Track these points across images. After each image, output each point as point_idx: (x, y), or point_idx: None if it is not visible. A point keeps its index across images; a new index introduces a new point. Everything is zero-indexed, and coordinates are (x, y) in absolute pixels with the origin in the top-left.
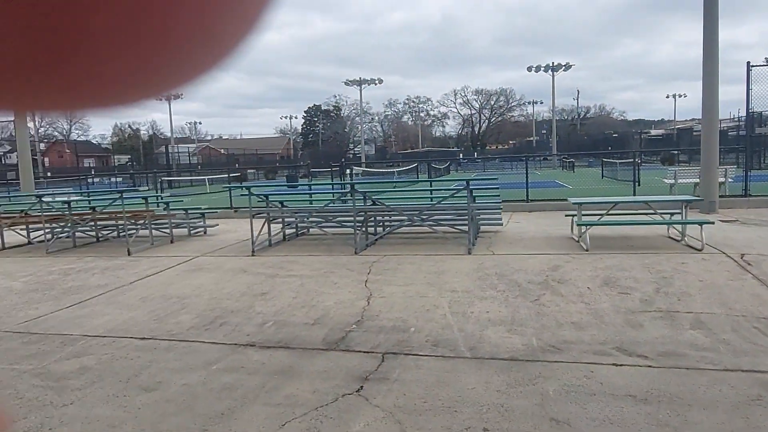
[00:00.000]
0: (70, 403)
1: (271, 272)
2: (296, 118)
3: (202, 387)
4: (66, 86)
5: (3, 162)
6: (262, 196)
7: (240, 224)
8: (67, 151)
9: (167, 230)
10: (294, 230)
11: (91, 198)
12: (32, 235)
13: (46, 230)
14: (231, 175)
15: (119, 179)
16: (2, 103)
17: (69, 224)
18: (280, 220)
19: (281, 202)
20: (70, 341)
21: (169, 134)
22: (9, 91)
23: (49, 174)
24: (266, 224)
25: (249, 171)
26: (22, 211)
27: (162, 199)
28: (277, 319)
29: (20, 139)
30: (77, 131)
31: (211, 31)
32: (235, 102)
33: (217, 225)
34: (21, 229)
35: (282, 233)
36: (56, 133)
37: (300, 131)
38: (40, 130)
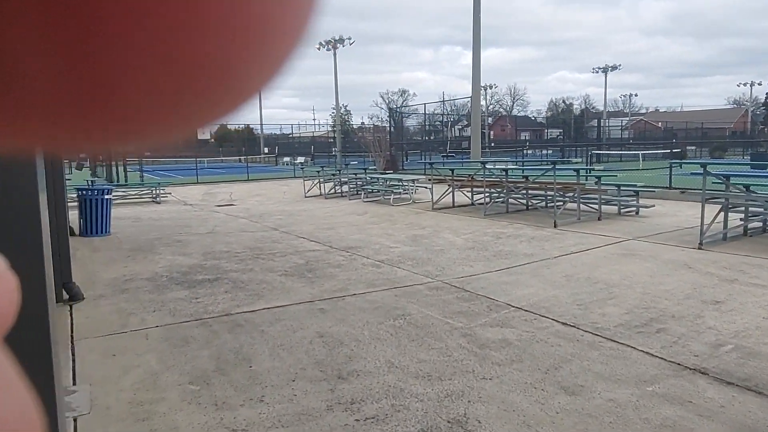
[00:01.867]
0: (489, 378)
1: (728, 275)
2: (760, 84)
3: (634, 412)
4: (96, 126)
5: (461, 134)
6: (720, 177)
7: (679, 207)
8: (509, 125)
9: (596, 206)
10: (761, 224)
11: (524, 167)
12: (475, 197)
13: (486, 194)
14: (672, 150)
15: (550, 151)
16: (30, 143)
17: (504, 190)
18: (742, 209)
19: (746, 187)
20: (495, 307)
21: (601, 108)
22: (37, 131)
23: (492, 145)
24: (722, 212)
25: (689, 147)
26: (469, 175)
27: (593, 172)
28: (739, 344)
29: (474, 114)
30: (518, 107)
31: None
32: (677, 71)
33: (653, 206)
34: (467, 191)
35: (743, 226)
36: (501, 109)
37: (763, 101)
38: (489, 107)
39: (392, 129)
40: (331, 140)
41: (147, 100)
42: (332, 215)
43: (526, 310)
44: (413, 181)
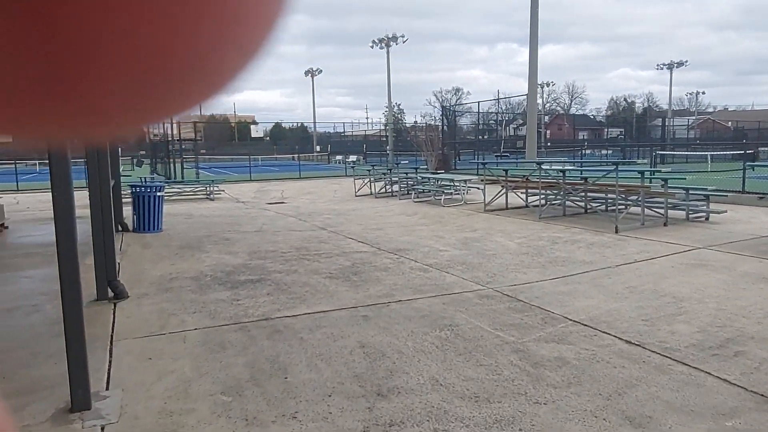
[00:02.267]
0: (543, 402)
1: None
2: None
3: None
4: (63, 112)
5: (515, 134)
6: None
7: (754, 213)
8: (566, 124)
9: (661, 210)
10: None
11: (582, 168)
12: (529, 199)
13: (541, 196)
14: (745, 152)
15: (609, 151)
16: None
17: (561, 192)
18: None
19: None
20: (550, 320)
21: (664, 106)
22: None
23: (549, 144)
24: None
25: (761, 149)
26: (523, 176)
27: (659, 174)
28: None
29: (530, 113)
30: (576, 105)
31: (214, 53)
32: (748, 67)
33: (725, 212)
34: (521, 193)
35: None
36: (558, 108)
37: None
38: (546, 105)
39: (445, 128)
40: (383, 139)
41: (117, 91)
42: (381, 215)
43: (585, 325)
44: (465, 181)
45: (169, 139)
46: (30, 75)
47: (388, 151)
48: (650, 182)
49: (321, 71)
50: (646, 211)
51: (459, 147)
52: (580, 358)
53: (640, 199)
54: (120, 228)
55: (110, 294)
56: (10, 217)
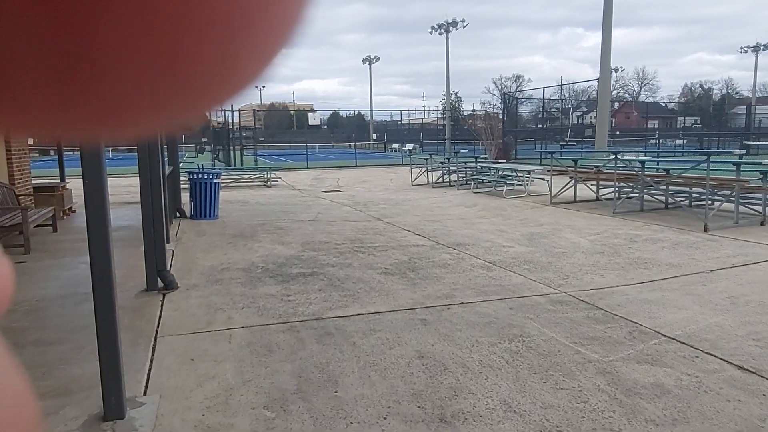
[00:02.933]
0: None
1: None
2: None
3: None
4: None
5: (578, 122)
6: None
7: None
8: (635, 112)
9: (758, 208)
10: None
11: (662, 159)
12: (601, 192)
13: (615, 189)
14: None
15: (683, 141)
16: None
17: (639, 185)
18: None
19: None
20: (640, 335)
21: (746, 92)
22: (20, 116)
23: (618, 133)
24: None
25: None
26: (595, 167)
27: (757, 166)
28: None
29: (601, 99)
30: (646, 92)
31: (232, 56)
32: None
33: None
34: (591, 185)
35: None
36: (626, 95)
37: None
38: (613, 92)
39: (505, 116)
40: (440, 127)
41: (139, 93)
42: (439, 206)
43: (683, 342)
44: (529, 171)
45: (230, 127)
46: (44, 75)
47: (445, 140)
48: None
49: (378, 59)
50: (741, 208)
51: (519, 136)
52: (682, 386)
53: (733, 194)
54: (178, 214)
55: (160, 284)
56: (78, 201)
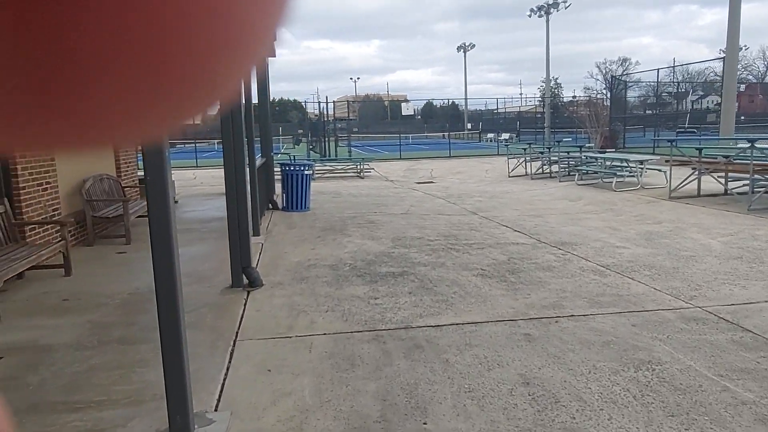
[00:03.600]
0: None
1: None
2: None
3: None
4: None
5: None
6: None
7: None
8: (760, 95)
9: None
10: None
11: None
12: (730, 185)
13: (749, 182)
14: None
15: None
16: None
17: None
18: None
19: None
20: None
21: None
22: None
23: (742, 118)
24: None
25: None
26: (725, 156)
27: None
28: None
29: (727, 80)
30: None
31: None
32: None
33: None
34: (719, 176)
35: None
36: (750, 76)
37: None
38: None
39: (611, 101)
40: (539, 115)
41: (123, 100)
42: (540, 199)
43: None
44: (642, 162)
45: (325, 118)
46: (24, 85)
47: (544, 129)
48: None
49: (474, 46)
50: None
51: (627, 123)
52: None
53: None
54: (270, 206)
55: (245, 281)
56: (182, 192)
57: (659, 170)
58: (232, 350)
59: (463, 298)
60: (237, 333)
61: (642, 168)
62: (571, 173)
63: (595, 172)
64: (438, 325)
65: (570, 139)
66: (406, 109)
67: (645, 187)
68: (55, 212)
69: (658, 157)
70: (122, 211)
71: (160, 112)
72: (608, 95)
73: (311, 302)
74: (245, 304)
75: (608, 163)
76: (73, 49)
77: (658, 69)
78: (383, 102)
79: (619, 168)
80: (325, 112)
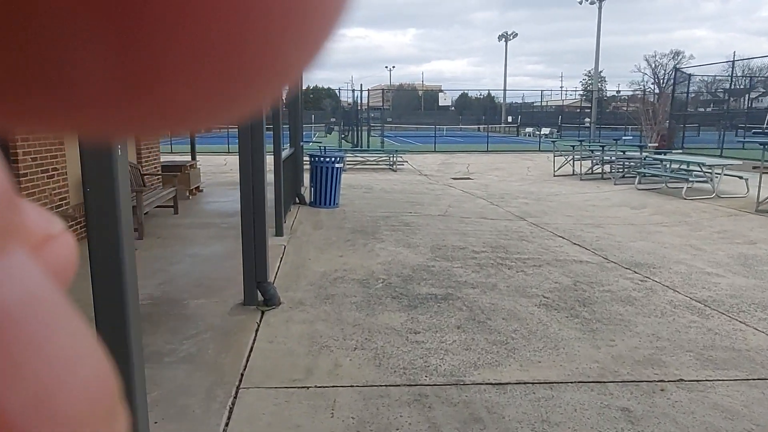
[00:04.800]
0: None
1: None
2: None
3: None
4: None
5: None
6: None
7: None
8: None
9: None
10: None
11: None
12: None
13: None
14: None
15: None
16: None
17: None
18: None
19: None
20: None
21: None
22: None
23: None
24: None
25: None
26: None
27: None
28: None
29: None
30: None
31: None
32: None
33: None
34: None
35: None
36: None
37: None
38: None
39: (673, 96)
40: (578, 110)
41: (192, 86)
42: (595, 205)
43: None
44: (721, 167)
45: (358, 107)
46: (104, 74)
47: (588, 124)
48: None
49: (516, 35)
50: None
51: (688, 121)
52: None
53: None
54: (297, 200)
55: (259, 298)
56: (206, 181)
57: (740, 177)
58: (233, 405)
59: (528, 341)
60: (242, 376)
61: (720, 174)
62: (627, 176)
63: (657, 176)
64: (500, 383)
65: (630, 137)
66: (443, 100)
67: (721, 195)
68: (63, 203)
69: (730, 161)
70: (135, 202)
71: (229, 96)
72: (656, 90)
73: (336, 333)
74: (257, 331)
75: (676, 166)
76: (143, 24)
77: (733, 61)
78: (417, 92)
79: (688, 172)
80: (360, 101)
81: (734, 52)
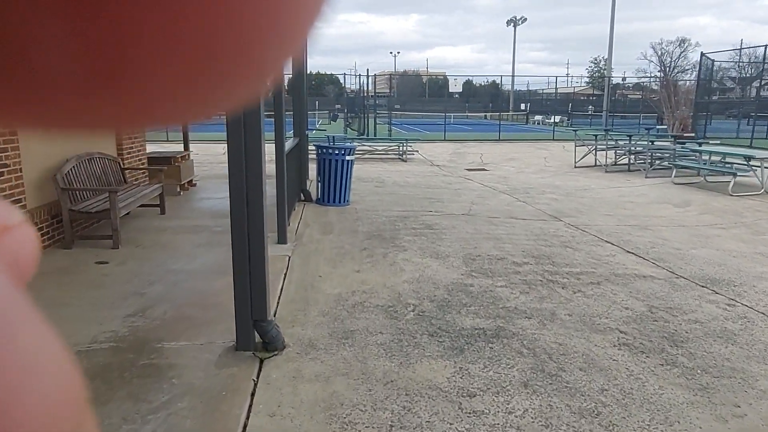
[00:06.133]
0: None
1: None
2: None
3: None
4: (111, 105)
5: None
6: None
7: None
8: None
9: None
10: None
11: None
12: None
13: None
14: None
15: None
16: (43, 121)
17: None
18: None
19: None
20: None
21: None
22: (51, 109)
23: None
24: None
25: None
26: None
27: None
28: None
29: None
30: None
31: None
32: None
33: None
34: None
35: None
36: None
37: None
38: None
39: (698, 82)
40: (589, 98)
41: (163, 81)
42: (632, 202)
43: None
44: None
45: (364, 93)
46: (76, 66)
47: (597, 112)
48: None
49: (525, 20)
50: None
51: (711, 109)
52: None
53: None
54: (302, 197)
55: (257, 339)
56: (201, 173)
57: None
58: None
59: (625, 408)
60: None
61: (760, 167)
62: (656, 167)
63: (692, 168)
64: None
65: (663, 126)
66: (454, 86)
67: None
68: (18, 206)
69: (754, 150)
70: (108, 204)
71: (211, 88)
72: (662, 77)
73: (363, 398)
74: (253, 395)
75: (716, 158)
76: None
77: (765, 46)
78: (421, 79)
79: (729, 165)
80: (366, 88)
81: (741, 40)
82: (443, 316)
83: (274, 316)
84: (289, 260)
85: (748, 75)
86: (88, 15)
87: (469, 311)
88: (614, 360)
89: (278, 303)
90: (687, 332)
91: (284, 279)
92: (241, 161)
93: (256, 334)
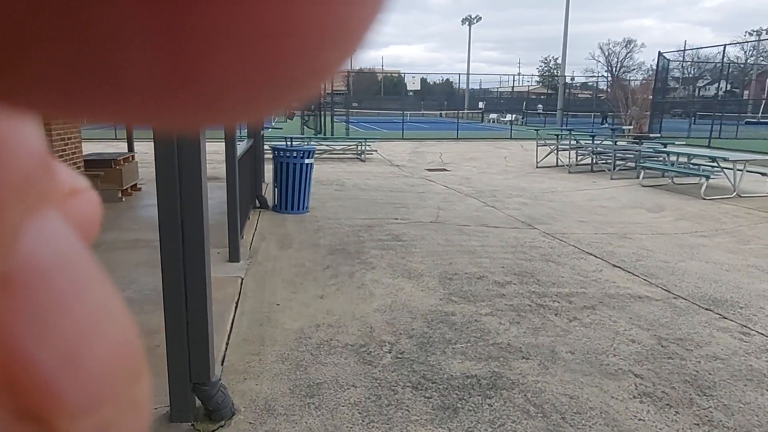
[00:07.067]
0: None
1: None
2: None
3: None
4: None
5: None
6: None
7: None
8: None
9: None
10: None
11: None
12: None
13: None
14: None
15: None
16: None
17: None
18: None
19: None
20: None
21: None
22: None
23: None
24: None
25: None
26: None
27: None
28: None
29: None
30: None
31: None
32: None
33: None
34: None
35: None
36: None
37: None
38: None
39: (656, 82)
40: (541, 97)
41: (237, 79)
42: (604, 206)
43: None
44: (743, 162)
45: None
46: (160, 64)
47: (548, 111)
48: None
49: (480, 18)
50: None
51: (666, 109)
52: None
53: None
54: (258, 204)
55: (197, 405)
56: (148, 176)
57: (763, 174)
58: None
59: None
60: None
61: (742, 170)
62: (620, 168)
63: (662, 171)
64: None
65: (605, 126)
66: (412, 84)
67: (742, 195)
68: None
69: (753, 155)
70: None
71: (275, 88)
72: (608, 77)
73: None
74: None
75: (684, 159)
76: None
77: (724, 45)
78: (377, 77)
79: (701, 168)
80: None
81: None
82: (426, 359)
83: (222, 364)
84: (241, 283)
85: (691, 75)
86: (174, 15)
87: (456, 350)
88: (641, 420)
89: (227, 344)
90: (710, 373)
91: (236, 309)
92: (173, 160)
93: (196, 399)
